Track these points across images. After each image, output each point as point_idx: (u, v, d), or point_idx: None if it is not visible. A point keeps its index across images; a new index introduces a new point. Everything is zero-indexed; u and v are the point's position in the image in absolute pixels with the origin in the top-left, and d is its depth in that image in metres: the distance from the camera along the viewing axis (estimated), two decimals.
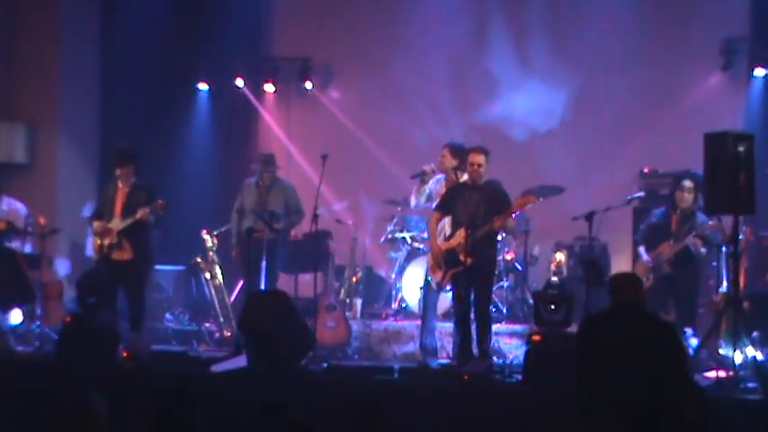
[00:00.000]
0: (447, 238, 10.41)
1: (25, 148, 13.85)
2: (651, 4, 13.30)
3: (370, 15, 14.30)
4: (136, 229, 11.03)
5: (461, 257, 10.05)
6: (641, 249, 10.77)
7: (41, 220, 12.15)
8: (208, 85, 14.41)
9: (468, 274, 10.08)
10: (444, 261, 10.31)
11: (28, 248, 12.18)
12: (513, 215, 10.30)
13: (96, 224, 11.22)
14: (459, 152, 10.84)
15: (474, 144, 10.70)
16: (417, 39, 14.06)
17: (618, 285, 6.79)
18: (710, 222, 10.40)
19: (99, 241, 11.19)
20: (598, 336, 6.62)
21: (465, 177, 10.74)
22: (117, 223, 11.04)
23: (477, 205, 10.21)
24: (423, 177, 11.36)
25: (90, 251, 12.07)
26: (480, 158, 10.30)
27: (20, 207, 12.38)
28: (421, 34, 14.05)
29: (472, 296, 10.22)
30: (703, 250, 10.54)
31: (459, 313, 10.29)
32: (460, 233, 10.15)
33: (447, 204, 10.50)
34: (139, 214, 10.90)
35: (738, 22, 12.79)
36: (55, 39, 14.04)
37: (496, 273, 11.11)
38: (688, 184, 10.56)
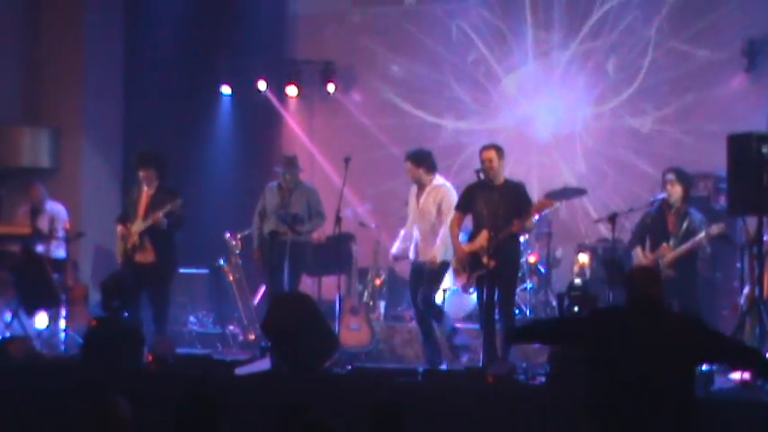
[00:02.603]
0: (469, 239, 10.44)
1: (50, 153, 13.92)
2: (673, 6, 13.25)
3: (392, 18, 14.30)
4: (158, 231, 11.15)
5: (484, 260, 10.07)
6: (636, 253, 10.72)
7: (67, 225, 12.24)
8: (230, 88, 14.40)
9: (491, 275, 10.09)
10: (468, 263, 10.32)
11: (62, 252, 12.19)
12: (531, 222, 10.30)
13: (119, 228, 11.32)
14: (420, 158, 10.92)
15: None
16: (440, 41, 14.05)
17: (635, 279, 6.43)
18: (714, 226, 10.37)
19: (122, 244, 11.28)
20: (614, 326, 6.28)
21: (436, 179, 10.84)
22: (138, 225, 11.14)
23: (498, 205, 10.20)
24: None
25: None
26: (490, 154, 10.31)
27: (60, 209, 12.52)
28: (444, 36, 14.04)
29: (496, 297, 10.24)
30: (708, 248, 10.52)
31: (483, 315, 10.31)
32: (483, 235, 10.16)
33: (466, 204, 10.50)
34: (153, 218, 11.01)
35: (761, 24, 12.73)
36: (79, 44, 14.12)
37: (519, 275, 11.12)
38: (670, 176, 10.58)
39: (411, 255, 11.01)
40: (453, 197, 10.80)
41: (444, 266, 10.83)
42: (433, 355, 10.77)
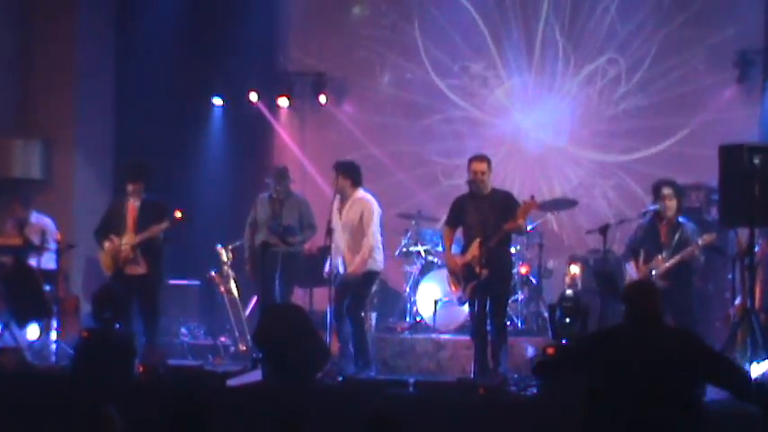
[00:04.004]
0: (461, 251, 10.46)
1: (41, 164, 13.86)
2: (665, 16, 13.28)
3: (385, 30, 14.29)
4: (150, 243, 11.20)
5: (476, 270, 10.09)
6: (629, 266, 10.68)
7: (58, 236, 12.21)
8: (222, 99, 14.40)
9: (483, 285, 10.13)
10: (462, 275, 10.35)
11: (52, 264, 12.10)
12: (522, 221, 10.31)
13: (107, 243, 11.29)
14: (349, 170, 11.00)
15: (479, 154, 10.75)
16: (431, 53, 14.05)
17: (634, 295, 6.40)
18: (705, 236, 10.39)
19: (109, 256, 11.27)
20: (618, 349, 6.22)
21: (359, 192, 10.89)
22: (131, 238, 11.15)
23: (488, 214, 10.28)
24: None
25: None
26: (482, 166, 10.39)
27: (48, 222, 12.45)
28: (435, 49, 14.04)
29: (488, 308, 10.28)
30: (702, 258, 10.52)
31: (475, 326, 10.36)
32: (474, 245, 10.21)
33: (456, 217, 10.59)
34: (153, 230, 11.05)
35: (753, 35, 12.77)
36: (70, 55, 14.06)
37: (511, 285, 11.12)
38: (667, 191, 10.54)
39: (341, 268, 10.97)
40: (375, 209, 10.93)
41: (370, 277, 10.96)
42: (347, 362, 10.79)
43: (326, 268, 11.03)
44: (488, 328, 10.31)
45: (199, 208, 13.05)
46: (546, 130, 13.75)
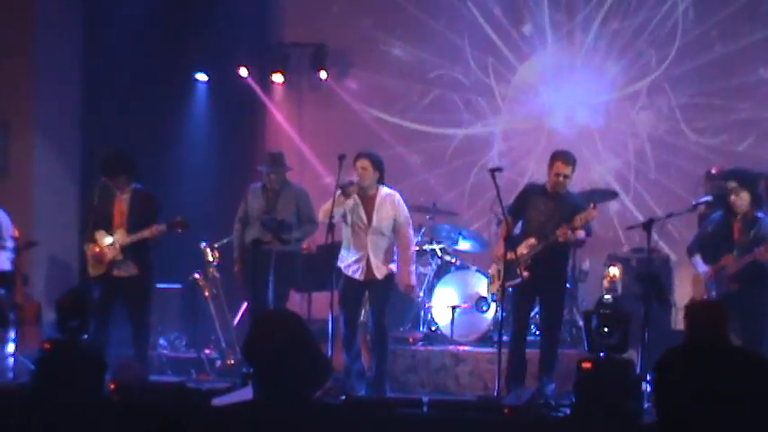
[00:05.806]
0: (513, 245, 10.38)
1: None
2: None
3: None
4: (140, 241, 11.06)
5: (519, 270, 10.16)
6: (696, 259, 10.65)
7: (16, 233, 12.07)
8: (207, 75, 14.41)
9: (530, 288, 10.28)
10: (505, 270, 10.28)
11: (7, 265, 11.97)
12: (578, 230, 10.34)
13: (91, 245, 11.13)
14: (379, 162, 10.91)
15: (559, 151, 10.76)
16: (447, 21, 14.00)
17: (696, 316, 6.44)
18: None
19: (94, 260, 11.10)
20: (679, 376, 6.09)
21: (387, 190, 10.84)
22: (122, 238, 11.00)
23: (551, 215, 10.42)
24: (347, 190, 10.77)
25: None
26: (567, 169, 10.47)
27: (2, 215, 12.24)
28: (451, 15, 13.97)
29: (539, 313, 10.66)
30: None
31: (513, 333, 10.47)
32: (526, 243, 10.34)
33: (519, 207, 10.65)
34: (150, 232, 10.93)
35: None
36: (29, 28, 13.94)
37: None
38: (733, 184, 10.50)
39: (358, 274, 10.80)
40: (406, 209, 10.93)
41: (393, 280, 10.96)
42: (355, 381, 10.82)
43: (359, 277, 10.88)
44: (539, 334, 10.77)
45: (181, 200, 13.02)
46: (581, 109, 13.75)
